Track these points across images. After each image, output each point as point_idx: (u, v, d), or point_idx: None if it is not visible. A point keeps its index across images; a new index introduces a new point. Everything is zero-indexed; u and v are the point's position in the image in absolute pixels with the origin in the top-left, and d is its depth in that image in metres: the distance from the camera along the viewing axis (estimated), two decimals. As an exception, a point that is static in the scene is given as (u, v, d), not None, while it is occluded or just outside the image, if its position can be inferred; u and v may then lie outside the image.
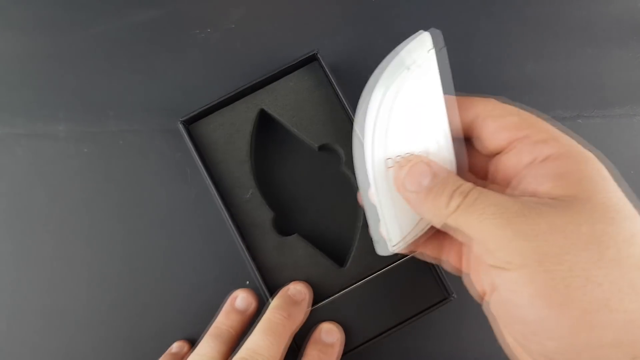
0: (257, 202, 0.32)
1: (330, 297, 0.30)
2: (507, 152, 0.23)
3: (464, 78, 0.36)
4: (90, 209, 0.35)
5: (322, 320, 0.30)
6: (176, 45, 0.37)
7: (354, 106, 0.33)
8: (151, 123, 0.36)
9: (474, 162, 0.24)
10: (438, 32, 0.23)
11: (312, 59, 0.33)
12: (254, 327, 0.28)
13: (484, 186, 0.22)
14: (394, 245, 0.24)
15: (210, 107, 0.32)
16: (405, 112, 0.23)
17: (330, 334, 0.29)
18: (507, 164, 0.22)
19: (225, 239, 0.32)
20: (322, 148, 0.33)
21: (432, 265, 0.30)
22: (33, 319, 0.34)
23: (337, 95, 0.32)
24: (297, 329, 0.29)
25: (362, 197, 0.26)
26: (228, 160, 0.33)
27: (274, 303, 0.29)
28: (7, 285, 0.34)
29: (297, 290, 0.30)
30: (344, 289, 0.31)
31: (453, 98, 0.23)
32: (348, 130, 0.32)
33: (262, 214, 0.32)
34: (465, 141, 0.24)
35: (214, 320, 0.30)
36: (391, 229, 0.24)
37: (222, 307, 0.31)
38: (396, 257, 0.31)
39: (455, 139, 0.23)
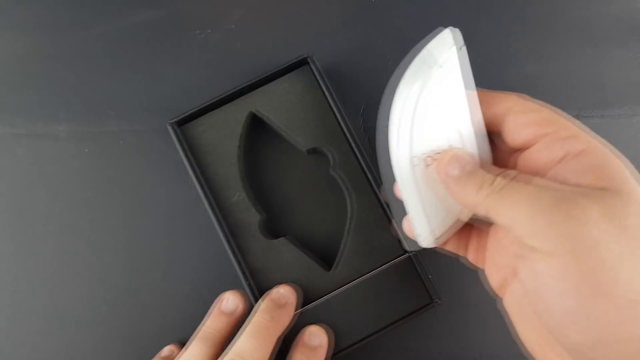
0: (246, 204, 0.32)
1: (318, 299, 0.31)
2: (534, 147, 0.23)
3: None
4: (90, 209, 0.35)
5: (310, 322, 0.30)
6: (176, 45, 0.37)
7: (347, 109, 0.33)
8: (152, 123, 0.36)
9: (494, 157, 0.25)
10: (457, 30, 0.23)
11: (304, 62, 0.33)
12: (241, 330, 0.28)
13: None
14: (423, 240, 0.25)
15: (201, 108, 0.32)
16: (429, 109, 0.23)
17: (316, 337, 0.29)
18: (536, 158, 0.22)
19: (218, 241, 0.32)
20: (313, 151, 0.33)
21: (419, 269, 0.31)
22: (33, 319, 0.34)
23: (328, 98, 0.32)
24: (285, 332, 0.29)
25: (386, 193, 0.26)
26: (218, 162, 0.33)
27: (261, 306, 0.29)
28: (7, 285, 0.34)
29: (284, 293, 0.30)
30: (332, 292, 0.31)
31: (475, 94, 0.24)
32: (339, 134, 0.32)
33: (251, 217, 0.32)
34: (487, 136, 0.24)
35: (203, 322, 0.30)
36: (420, 224, 0.24)
37: (211, 309, 0.31)
38: (383, 260, 0.31)
39: (478, 134, 0.24)
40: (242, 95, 0.33)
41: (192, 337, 0.29)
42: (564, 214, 0.18)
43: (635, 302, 0.17)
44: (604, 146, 0.21)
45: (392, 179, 0.25)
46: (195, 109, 0.32)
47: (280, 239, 0.32)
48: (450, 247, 0.27)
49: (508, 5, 0.37)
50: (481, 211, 0.22)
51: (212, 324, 0.30)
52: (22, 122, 0.36)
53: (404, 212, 0.25)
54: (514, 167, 0.23)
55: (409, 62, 0.24)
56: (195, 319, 0.31)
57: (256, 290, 0.31)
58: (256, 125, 0.34)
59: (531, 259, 0.19)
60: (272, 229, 0.34)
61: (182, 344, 0.32)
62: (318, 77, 0.32)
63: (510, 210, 0.20)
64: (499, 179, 0.21)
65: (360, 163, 0.32)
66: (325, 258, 0.33)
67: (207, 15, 0.37)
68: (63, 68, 0.37)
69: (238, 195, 0.32)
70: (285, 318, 0.29)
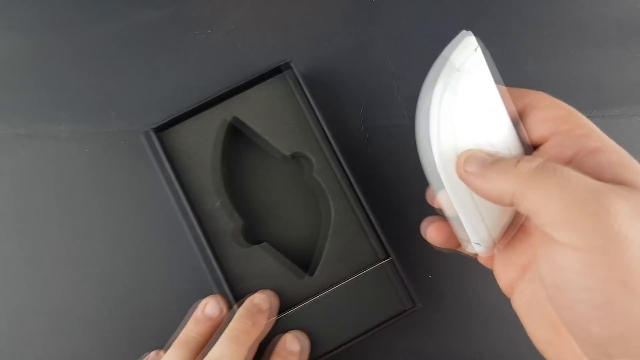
0: (226, 210, 0.32)
1: (296, 306, 0.31)
2: (547, 144, 0.23)
3: (464, 78, 0.36)
4: (91, 209, 0.35)
5: (288, 329, 0.30)
6: (177, 45, 0.37)
7: (327, 115, 0.33)
8: (152, 123, 0.36)
9: None
10: (473, 35, 0.24)
11: (284, 68, 0.33)
12: (218, 335, 0.28)
13: None
14: (480, 248, 0.24)
15: (180, 115, 0.32)
16: (465, 111, 0.23)
17: (293, 343, 0.29)
18: (548, 155, 0.22)
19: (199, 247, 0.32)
20: (294, 156, 0.33)
21: (399, 274, 0.30)
22: (34, 319, 0.34)
23: (308, 104, 0.32)
24: (262, 338, 0.29)
25: (440, 201, 0.25)
26: (198, 168, 0.32)
27: (239, 312, 0.29)
28: (8, 284, 0.34)
29: (262, 299, 0.30)
30: (310, 298, 0.31)
31: (505, 89, 0.24)
32: (318, 140, 0.32)
33: (230, 223, 0.32)
34: None
35: (183, 327, 0.30)
36: (475, 229, 0.24)
37: (191, 313, 0.31)
38: (361, 266, 0.31)
39: (512, 132, 0.24)
40: (221, 101, 0.33)
41: (169, 341, 0.30)
42: (597, 207, 0.18)
43: None
44: (618, 146, 0.21)
45: (441, 186, 0.24)
46: (174, 116, 0.32)
47: (258, 245, 0.32)
48: (459, 247, 0.27)
49: (508, 5, 0.37)
50: (507, 198, 0.20)
51: (194, 327, 0.30)
52: (23, 122, 0.36)
53: (459, 219, 0.24)
54: None
55: (438, 70, 0.24)
56: (174, 324, 0.31)
57: (234, 296, 0.31)
58: (235, 132, 0.34)
59: (555, 252, 0.19)
60: (251, 235, 0.33)
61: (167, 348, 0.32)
62: (297, 83, 0.32)
63: (540, 195, 0.19)
64: (523, 161, 0.20)
65: (338, 169, 0.32)
66: (304, 264, 0.33)
67: (207, 15, 0.37)
68: (63, 68, 0.37)
69: (217, 202, 0.32)
70: (261, 325, 0.29)
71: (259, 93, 0.33)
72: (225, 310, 0.30)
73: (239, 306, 0.30)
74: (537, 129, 0.23)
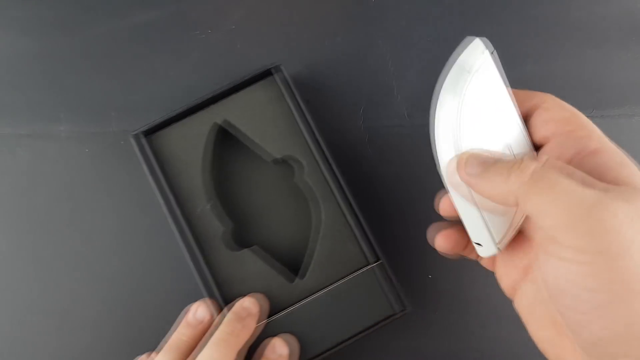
0: (215, 213, 0.32)
1: (287, 309, 0.30)
2: (548, 145, 0.23)
3: (464, 78, 0.36)
4: (91, 209, 0.35)
5: (279, 332, 0.30)
6: (177, 45, 0.37)
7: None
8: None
9: None
10: (485, 39, 0.24)
11: (271, 72, 0.33)
12: (206, 340, 0.28)
13: None
14: (484, 250, 0.24)
15: (171, 117, 0.32)
16: (476, 112, 0.23)
17: (282, 347, 0.29)
18: (549, 155, 0.22)
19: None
20: (281, 161, 0.33)
21: (389, 278, 0.30)
22: (34, 319, 0.34)
23: (298, 107, 0.32)
24: (251, 341, 0.29)
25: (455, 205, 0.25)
26: (184, 173, 0.32)
27: (228, 316, 0.29)
28: (8, 284, 0.34)
29: (252, 303, 0.30)
30: (300, 301, 0.31)
31: (512, 91, 0.24)
32: (309, 142, 0.32)
33: (220, 226, 0.32)
34: None
35: (174, 330, 0.30)
36: (478, 233, 0.24)
37: (182, 317, 0.31)
38: (350, 270, 0.31)
39: (523, 134, 0.24)
40: (211, 104, 0.33)
41: (160, 344, 0.30)
42: (600, 210, 0.18)
43: None
44: (615, 147, 0.21)
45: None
46: (162, 119, 0.32)
47: (246, 249, 0.32)
48: (465, 252, 0.27)
49: (508, 5, 0.37)
50: (512, 199, 0.20)
51: (184, 332, 0.30)
52: (23, 122, 0.36)
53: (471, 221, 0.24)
54: None
55: (447, 74, 0.24)
56: (165, 328, 0.31)
57: (224, 300, 0.30)
58: (226, 135, 0.34)
59: (557, 255, 0.19)
60: (239, 239, 0.33)
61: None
62: (287, 86, 0.32)
63: (544, 197, 0.19)
64: (527, 162, 0.20)
65: (329, 172, 0.32)
66: (292, 268, 0.33)
67: (207, 15, 0.37)
68: (64, 68, 0.37)
69: (207, 205, 0.32)
70: (250, 329, 0.29)
71: (249, 96, 0.33)
72: (215, 314, 0.30)
73: (229, 310, 0.30)
74: (540, 130, 0.23)
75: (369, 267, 0.31)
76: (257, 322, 0.29)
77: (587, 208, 0.18)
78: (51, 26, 0.37)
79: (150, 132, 0.33)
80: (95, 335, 0.34)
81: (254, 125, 0.33)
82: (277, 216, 0.34)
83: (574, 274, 0.19)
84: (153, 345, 0.33)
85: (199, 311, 0.30)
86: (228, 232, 0.32)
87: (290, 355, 0.29)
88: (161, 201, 0.31)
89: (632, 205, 0.18)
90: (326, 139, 0.35)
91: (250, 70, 0.33)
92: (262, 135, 0.33)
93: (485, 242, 0.24)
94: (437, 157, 0.24)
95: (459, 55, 0.24)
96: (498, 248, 0.24)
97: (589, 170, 0.20)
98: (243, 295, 0.31)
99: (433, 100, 0.24)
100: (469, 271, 0.34)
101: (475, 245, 0.24)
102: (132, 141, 0.32)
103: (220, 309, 0.30)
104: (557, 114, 0.23)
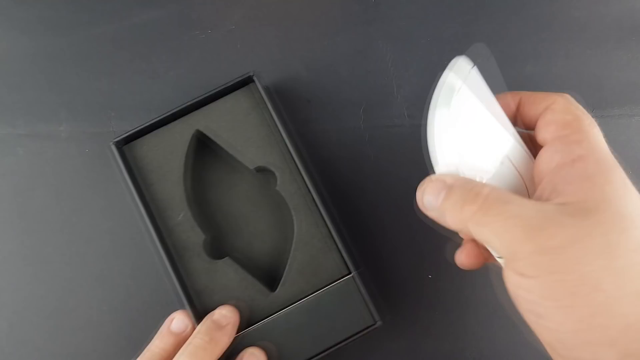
0: (189, 224, 0.32)
1: (261, 320, 0.30)
2: (543, 149, 0.23)
3: (464, 78, 0.36)
4: (91, 209, 0.35)
5: (252, 344, 0.30)
6: (177, 45, 0.37)
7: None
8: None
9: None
10: (466, 58, 0.25)
11: (248, 81, 0.33)
12: (180, 351, 0.28)
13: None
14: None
15: (146, 127, 0.32)
16: (468, 129, 0.24)
17: (260, 356, 0.29)
18: (542, 160, 0.23)
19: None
20: (259, 170, 0.33)
21: (361, 291, 0.30)
22: (34, 319, 0.34)
23: (278, 116, 0.32)
24: (222, 354, 0.29)
25: None
26: (162, 182, 0.32)
27: (198, 328, 0.29)
28: (8, 284, 0.34)
29: (223, 315, 0.30)
30: (275, 313, 0.30)
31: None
32: (283, 153, 0.32)
33: (193, 237, 0.31)
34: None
35: (151, 341, 0.30)
36: None
37: (160, 328, 0.31)
38: (328, 280, 0.31)
39: (516, 142, 0.25)
40: (187, 114, 0.33)
41: (139, 354, 0.29)
42: (535, 243, 0.20)
43: (601, 315, 0.19)
44: (607, 157, 0.21)
45: None
46: (140, 127, 0.32)
47: (224, 259, 0.31)
48: (490, 260, 0.27)
49: (508, 5, 0.37)
50: (467, 228, 0.22)
51: (159, 343, 0.30)
52: (23, 122, 0.36)
53: None
54: None
55: (438, 95, 0.24)
56: (143, 337, 0.31)
57: (199, 311, 0.30)
58: (202, 144, 0.34)
59: (508, 274, 0.22)
60: (217, 248, 0.33)
61: None
62: (263, 95, 0.32)
63: (485, 232, 0.21)
64: (469, 201, 0.22)
65: (303, 183, 0.31)
66: (270, 278, 0.33)
67: (207, 15, 0.37)
68: (64, 68, 0.37)
69: (182, 215, 0.32)
70: (225, 339, 0.29)
71: (225, 106, 0.33)
72: (191, 325, 0.30)
73: (207, 319, 0.29)
74: (542, 132, 0.24)
75: (342, 280, 0.30)
76: (229, 334, 0.29)
77: (531, 237, 0.20)
78: (51, 26, 0.37)
79: (129, 140, 0.32)
80: (95, 335, 0.34)
81: (229, 135, 0.32)
82: (253, 227, 0.34)
83: (527, 290, 0.21)
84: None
85: (176, 321, 0.30)
86: (206, 241, 0.32)
87: None
88: (139, 209, 0.31)
89: (565, 230, 0.20)
90: (325, 139, 0.36)
91: (253, 70, 0.33)
92: (236, 146, 0.32)
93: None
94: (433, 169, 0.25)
95: (447, 75, 0.24)
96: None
97: (559, 179, 0.21)
98: (221, 304, 0.30)
99: (427, 121, 0.25)
100: (469, 271, 0.34)
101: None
102: (112, 149, 0.31)
103: (198, 319, 0.30)
104: (560, 116, 0.23)
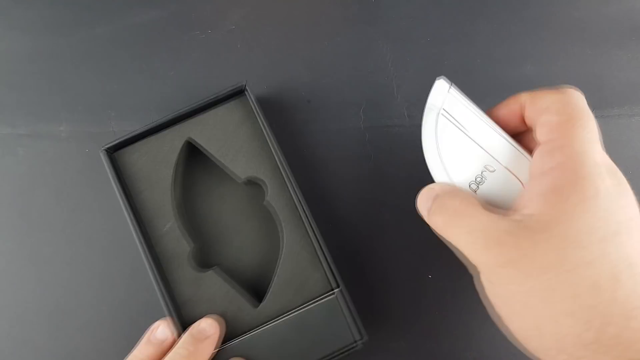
0: (176, 233, 0.31)
1: (245, 334, 0.30)
2: (534, 152, 0.24)
3: (463, 78, 0.36)
4: (91, 209, 0.35)
5: (236, 356, 0.29)
6: (177, 45, 0.37)
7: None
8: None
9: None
10: (444, 77, 0.27)
11: (241, 92, 0.33)
12: None
13: None
14: None
15: (136, 135, 0.32)
16: (458, 144, 0.26)
17: None
18: (531, 165, 0.24)
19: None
20: (248, 181, 0.33)
21: (347, 307, 0.30)
22: (34, 319, 0.34)
23: (263, 129, 0.32)
24: None
25: None
26: (151, 190, 0.32)
27: (182, 338, 0.29)
28: (8, 285, 0.34)
29: (207, 326, 0.29)
30: (258, 327, 0.30)
31: (484, 115, 0.26)
32: (274, 165, 0.32)
33: (181, 246, 0.31)
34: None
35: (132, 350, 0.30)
36: None
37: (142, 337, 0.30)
38: (313, 296, 0.31)
39: (506, 148, 0.26)
40: (178, 122, 0.33)
41: None
42: (492, 254, 0.22)
43: (534, 329, 0.22)
44: (582, 166, 0.21)
45: None
46: (130, 135, 0.32)
47: (210, 270, 0.31)
48: None
49: (507, 5, 0.37)
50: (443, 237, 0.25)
51: (142, 351, 0.29)
52: (23, 122, 0.36)
53: None
54: None
55: (425, 118, 0.27)
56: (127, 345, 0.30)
57: (184, 321, 0.30)
58: (192, 154, 0.34)
59: (477, 278, 0.24)
60: (203, 259, 0.33)
61: None
62: (253, 107, 0.32)
63: (452, 240, 0.24)
64: (435, 212, 0.25)
65: (293, 196, 0.31)
66: (256, 291, 0.32)
67: (207, 15, 0.37)
68: (64, 68, 0.37)
69: (170, 224, 0.31)
70: (208, 350, 0.29)
71: (217, 116, 0.33)
72: (175, 334, 0.30)
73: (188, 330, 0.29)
74: (537, 134, 0.24)
75: (334, 292, 0.30)
76: (213, 345, 0.29)
77: (489, 249, 0.22)
78: (51, 26, 0.37)
79: (120, 147, 0.32)
80: (95, 335, 0.34)
81: (219, 146, 0.32)
82: (245, 238, 0.34)
83: (493, 293, 0.23)
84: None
85: (159, 330, 0.30)
86: (193, 251, 0.32)
87: None
88: (128, 217, 0.31)
89: (529, 240, 0.21)
90: (325, 139, 0.36)
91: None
92: (227, 156, 0.32)
93: None
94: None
95: (430, 97, 0.27)
96: None
97: (529, 189, 0.23)
98: (202, 317, 0.30)
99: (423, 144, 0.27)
100: (470, 271, 0.34)
101: None
102: (102, 156, 0.31)
103: (182, 329, 0.30)
104: (553, 118, 0.23)
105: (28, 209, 0.35)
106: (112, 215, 0.35)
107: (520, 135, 0.26)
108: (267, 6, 0.38)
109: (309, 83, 0.36)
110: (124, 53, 0.37)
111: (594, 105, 0.36)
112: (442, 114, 0.26)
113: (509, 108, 0.26)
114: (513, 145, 0.25)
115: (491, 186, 0.25)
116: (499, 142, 0.25)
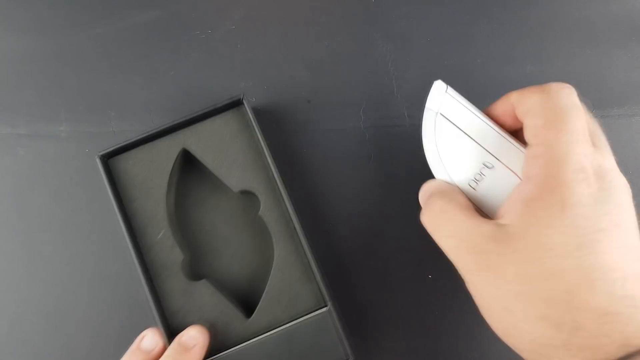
0: (169, 243, 0.31)
1: (233, 347, 0.30)
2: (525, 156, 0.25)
3: (464, 78, 0.36)
4: (91, 209, 0.35)
5: None
6: (177, 45, 0.37)
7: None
8: (152, 123, 0.36)
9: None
10: (440, 81, 0.27)
11: (238, 103, 0.33)
12: None
13: None
14: None
15: (132, 142, 0.32)
16: (458, 143, 0.26)
17: None
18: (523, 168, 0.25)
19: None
20: (242, 193, 0.33)
21: (335, 324, 0.30)
22: (34, 319, 0.34)
23: (259, 141, 0.32)
24: None
25: None
26: (145, 198, 0.32)
27: (167, 350, 0.29)
28: (8, 285, 0.34)
29: (191, 337, 0.29)
30: (247, 340, 0.30)
31: (481, 115, 0.27)
32: (268, 177, 0.32)
33: (172, 256, 0.31)
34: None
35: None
36: None
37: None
38: (304, 311, 0.30)
39: (502, 146, 0.26)
40: (174, 131, 0.32)
41: None
42: (466, 260, 0.24)
43: (504, 333, 0.24)
44: (554, 171, 0.21)
45: None
46: (125, 142, 0.31)
47: (201, 280, 0.31)
48: None
49: (508, 5, 0.37)
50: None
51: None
52: (23, 122, 0.36)
53: None
54: None
55: (423, 120, 0.27)
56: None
57: (174, 331, 0.30)
58: (188, 163, 0.34)
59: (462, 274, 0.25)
60: (195, 269, 0.33)
61: None
62: (250, 118, 0.32)
63: (437, 240, 0.25)
64: (425, 210, 0.26)
65: (286, 210, 0.31)
66: (246, 303, 0.32)
67: (207, 15, 0.37)
68: (63, 68, 0.37)
69: (162, 233, 0.31)
70: None
71: (213, 126, 0.33)
72: (161, 343, 0.30)
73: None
74: (525, 136, 0.24)
75: (324, 308, 0.30)
76: (203, 354, 0.29)
77: (463, 256, 0.24)
78: (50, 26, 0.37)
79: (116, 153, 0.32)
80: (94, 335, 0.34)
81: (218, 155, 0.32)
82: (237, 249, 0.34)
83: (476, 295, 0.25)
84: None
85: (146, 339, 0.30)
86: (185, 261, 0.32)
87: None
88: (121, 224, 0.31)
89: (497, 248, 0.22)
90: (325, 139, 0.36)
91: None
92: (225, 166, 0.32)
93: None
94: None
95: (428, 100, 0.27)
96: None
97: (514, 197, 0.23)
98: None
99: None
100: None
101: None
102: (98, 162, 0.31)
103: (171, 339, 0.30)
104: (534, 121, 0.23)
105: (28, 209, 0.35)
106: (111, 215, 0.35)
107: (519, 131, 0.26)
108: (267, 6, 0.38)
109: (309, 83, 0.36)
110: (124, 53, 0.37)
111: (594, 105, 0.36)
112: (440, 115, 0.26)
113: (502, 108, 0.26)
114: (511, 142, 0.26)
115: (490, 183, 0.26)
116: (497, 140, 0.26)
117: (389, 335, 0.33)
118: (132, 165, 0.32)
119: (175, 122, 0.32)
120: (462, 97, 0.27)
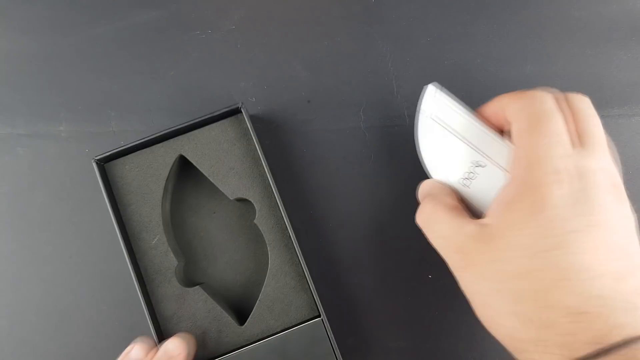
0: (163, 248, 0.31)
1: (225, 354, 0.30)
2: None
3: (464, 78, 0.36)
4: (91, 209, 0.35)
5: None
6: (177, 45, 0.37)
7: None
8: (152, 123, 0.36)
9: None
10: (436, 83, 0.28)
11: (236, 111, 0.33)
12: None
13: None
14: None
15: (128, 147, 0.32)
16: (450, 144, 0.27)
17: None
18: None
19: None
20: (238, 200, 0.33)
21: (328, 334, 0.30)
22: (33, 319, 0.34)
23: (257, 149, 0.32)
24: None
25: None
26: (140, 203, 0.32)
27: (156, 356, 0.28)
28: (8, 285, 0.34)
29: (176, 345, 0.29)
30: (239, 348, 0.30)
31: (472, 116, 0.28)
32: (265, 185, 0.32)
33: (168, 261, 0.31)
34: None
35: None
36: None
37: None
38: (297, 320, 0.30)
39: (493, 144, 0.27)
40: (171, 137, 0.32)
41: None
42: (453, 258, 0.25)
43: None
44: (532, 172, 0.22)
45: None
46: (122, 147, 0.31)
47: (195, 287, 0.31)
48: None
49: (508, 5, 0.37)
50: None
51: None
52: (23, 122, 0.36)
53: None
54: None
55: (417, 124, 0.29)
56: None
57: (167, 337, 0.30)
58: (184, 169, 0.34)
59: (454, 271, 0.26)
60: (189, 276, 0.33)
61: None
62: (248, 126, 0.32)
63: (430, 238, 0.27)
64: (420, 210, 0.28)
65: (281, 219, 0.31)
66: (240, 311, 0.32)
67: (207, 15, 0.37)
68: (63, 68, 0.37)
69: (157, 239, 0.31)
70: None
71: (211, 133, 0.33)
72: (151, 353, 0.29)
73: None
74: (512, 138, 0.25)
75: (312, 321, 0.30)
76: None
77: (450, 254, 0.25)
78: (51, 26, 0.37)
79: (112, 158, 0.32)
80: (94, 335, 0.34)
81: (215, 162, 0.32)
82: (232, 256, 0.34)
83: (465, 291, 0.26)
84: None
85: (133, 351, 0.29)
86: (179, 267, 0.32)
87: None
88: (116, 229, 0.31)
89: (478, 248, 0.23)
90: (325, 139, 0.36)
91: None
92: (222, 174, 0.32)
93: None
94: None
95: (420, 104, 0.28)
96: None
97: (498, 198, 0.24)
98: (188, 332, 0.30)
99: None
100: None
101: None
102: (94, 166, 0.31)
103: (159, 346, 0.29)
104: (517, 124, 0.24)
105: (28, 209, 0.35)
106: (110, 217, 0.35)
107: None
108: (267, 6, 0.38)
109: (308, 83, 0.36)
110: (124, 53, 0.37)
111: (594, 105, 0.36)
112: (432, 118, 0.28)
113: (492, 110, 0.27)
114: (500, 142, 0.26)
115: (482, 181, 0.27)
116: (487, 140, 0.27)
117: (389, 335, 0.33)
118: (128, 170, 0.32)
119: (173, 129, 0.32)
120: (454, 100, 0.28)
